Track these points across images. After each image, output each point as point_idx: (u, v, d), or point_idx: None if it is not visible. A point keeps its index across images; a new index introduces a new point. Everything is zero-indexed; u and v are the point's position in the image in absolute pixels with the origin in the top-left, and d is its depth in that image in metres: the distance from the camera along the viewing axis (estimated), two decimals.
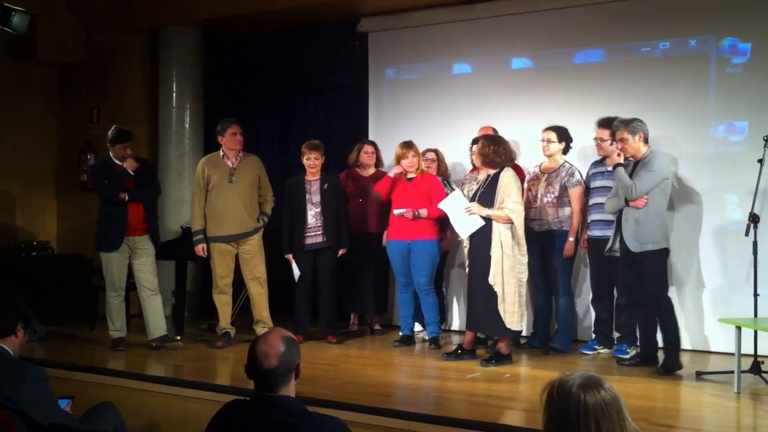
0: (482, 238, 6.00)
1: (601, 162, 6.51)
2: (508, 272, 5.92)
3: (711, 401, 5.14)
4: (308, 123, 8.82)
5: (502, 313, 5.91)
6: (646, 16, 6.95)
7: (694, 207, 6.63)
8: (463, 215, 6.10)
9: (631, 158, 5.90)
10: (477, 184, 6.26)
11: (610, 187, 6.28)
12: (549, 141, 6.59)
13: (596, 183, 6.47)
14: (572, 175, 6.54)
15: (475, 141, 6.61)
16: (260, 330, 6.76)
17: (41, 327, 7.33)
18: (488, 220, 5.98)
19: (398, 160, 6.87)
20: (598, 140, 6.42)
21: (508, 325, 5.94)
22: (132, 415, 4.74)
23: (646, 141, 5.85)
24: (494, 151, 6.08)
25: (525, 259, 6.03)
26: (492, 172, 6.13)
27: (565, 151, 6.66)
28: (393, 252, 6.92)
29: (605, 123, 6.37)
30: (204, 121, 8.95)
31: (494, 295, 5.91)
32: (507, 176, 6.08)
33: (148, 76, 9.06)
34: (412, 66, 8.12)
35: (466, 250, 6.23)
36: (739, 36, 6.56)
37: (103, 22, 8.98)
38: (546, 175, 6.63)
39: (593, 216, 6.46)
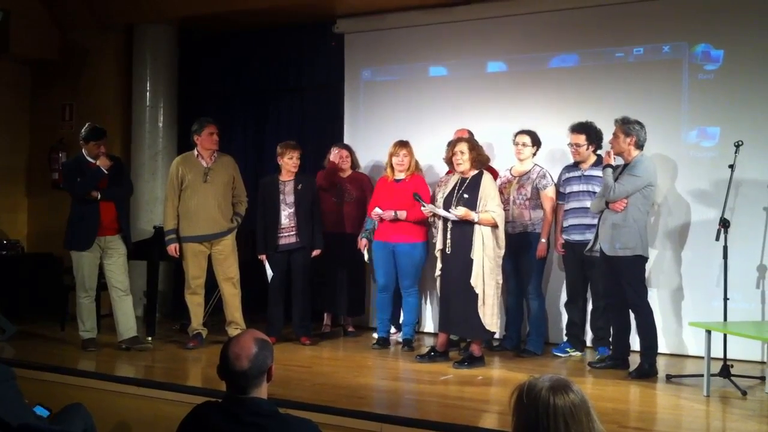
0: (462, 240, 6.01)
1: (575, 166, 6.55)
2: (489, 274, 5.94)
3: (681, 404, 5.18)
4: (283, 123, 8.82)
5: (482, 315, 5.92)
6: (621, 22, 7.01)
7: (666, 211, 6.69)
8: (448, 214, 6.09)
9: (617, 156, 5.93)
10: (451, 185, 6.27)
11: (587, 191, 6.35)
12: (524, 145, 6.63)
13: (572, 188, 6.50)
14: (543, 177, 6.59)
15: (450, 143, 6.62)
16: (233, 331, 6.72)
17: (11, 326, 7.26)
18: (470, 223, 5.98)
19: (390, 157, 6.85)
20: (574, 145, 6.45)
21: (487, 327, 5.97)
22: (102, 416, 4.71)
23: (638, 146, 5.85)
24: (479, 153, 6.16)
25: (501, 262, 6.08)
26: (471, 174, 6.15)
27: (534, 154, 6.70)
28: (378, 253, 6.91)
29: (580, 128, 6.42)
30: (178, 121, 8.88)
31: (474, 296, 5.92)
32: (489, 179, 6.13)
33: (121, 74, 8.96)
34: (388, 68, 8.12)
35: (438, 253, 6.24)
36: (712, 43, 6.63)
37: (77, 19, 8.90)
38: (517, 177, 6.67)
39: (570, 221, 6.48)
